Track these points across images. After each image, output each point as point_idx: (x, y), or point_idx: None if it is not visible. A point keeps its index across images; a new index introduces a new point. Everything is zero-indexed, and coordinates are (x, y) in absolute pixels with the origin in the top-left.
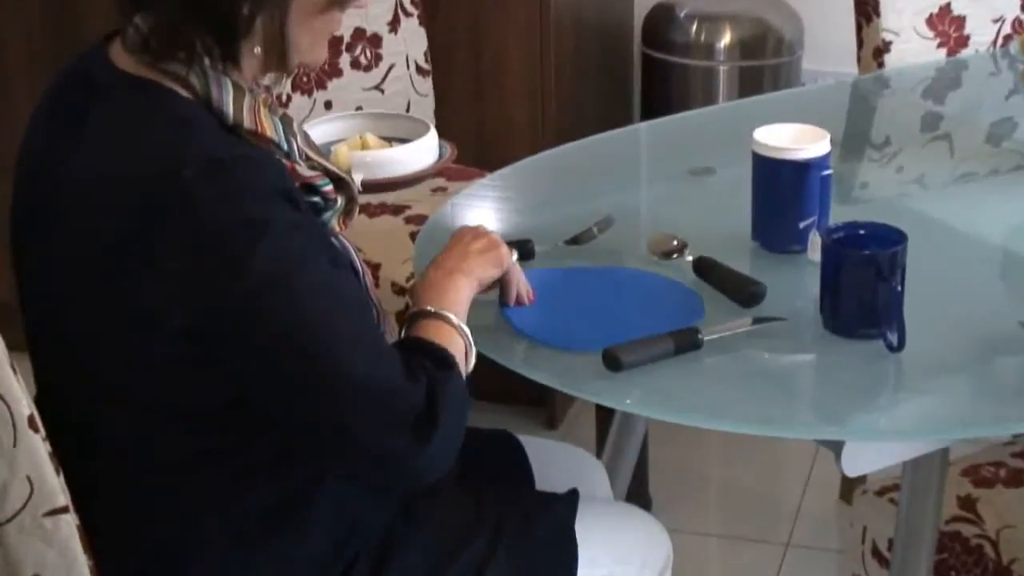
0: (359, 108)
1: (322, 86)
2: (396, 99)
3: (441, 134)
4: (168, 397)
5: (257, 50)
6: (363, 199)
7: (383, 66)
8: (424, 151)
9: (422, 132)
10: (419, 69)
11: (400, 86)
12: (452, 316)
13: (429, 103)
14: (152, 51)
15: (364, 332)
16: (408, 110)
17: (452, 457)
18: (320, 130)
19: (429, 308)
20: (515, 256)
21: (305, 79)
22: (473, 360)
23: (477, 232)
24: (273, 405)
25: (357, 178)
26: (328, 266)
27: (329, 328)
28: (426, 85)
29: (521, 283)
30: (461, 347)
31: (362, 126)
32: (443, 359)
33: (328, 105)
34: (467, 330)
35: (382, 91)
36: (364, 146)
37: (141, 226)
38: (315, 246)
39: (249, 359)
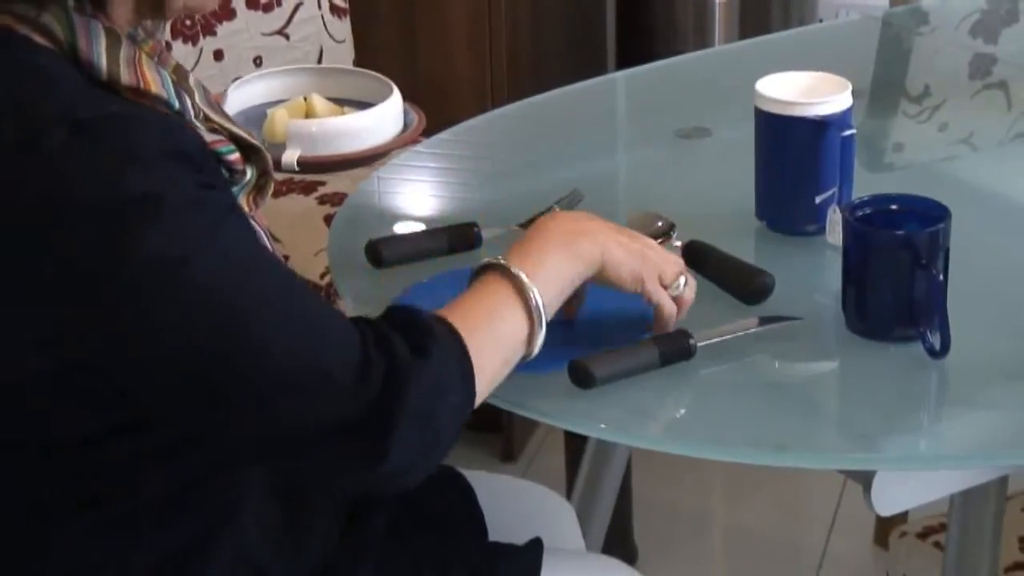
0: (257, 59)
1: (210, 31)
2: (305, 46)
3: None
4: (24, 430)
5: None
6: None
7: (288, 4)
8: (387, 119)
9: (384, 94)
10: (334, 8)
11: (310, 30)
12: (523, 276)
13: (347, 51)
14: None
15: (286, 330)
16: (320, 60)
17: (422, 468)
18: (249, 90)
19: (499, 259)
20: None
21: (188, 22)
22: (538, 346)
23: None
24: (171, 418)
25: (293, 154)
26: (239, 247)
27: (238, 331)
28: (343, 28)
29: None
30: (519, 325)
31: (306, 85)
32: (422, 341)
33: (218, 55)
34: (540, 300)
35: (287, 36)
36: (309, 111)
37: None
38: (223, 222)
39: (137, 373)
